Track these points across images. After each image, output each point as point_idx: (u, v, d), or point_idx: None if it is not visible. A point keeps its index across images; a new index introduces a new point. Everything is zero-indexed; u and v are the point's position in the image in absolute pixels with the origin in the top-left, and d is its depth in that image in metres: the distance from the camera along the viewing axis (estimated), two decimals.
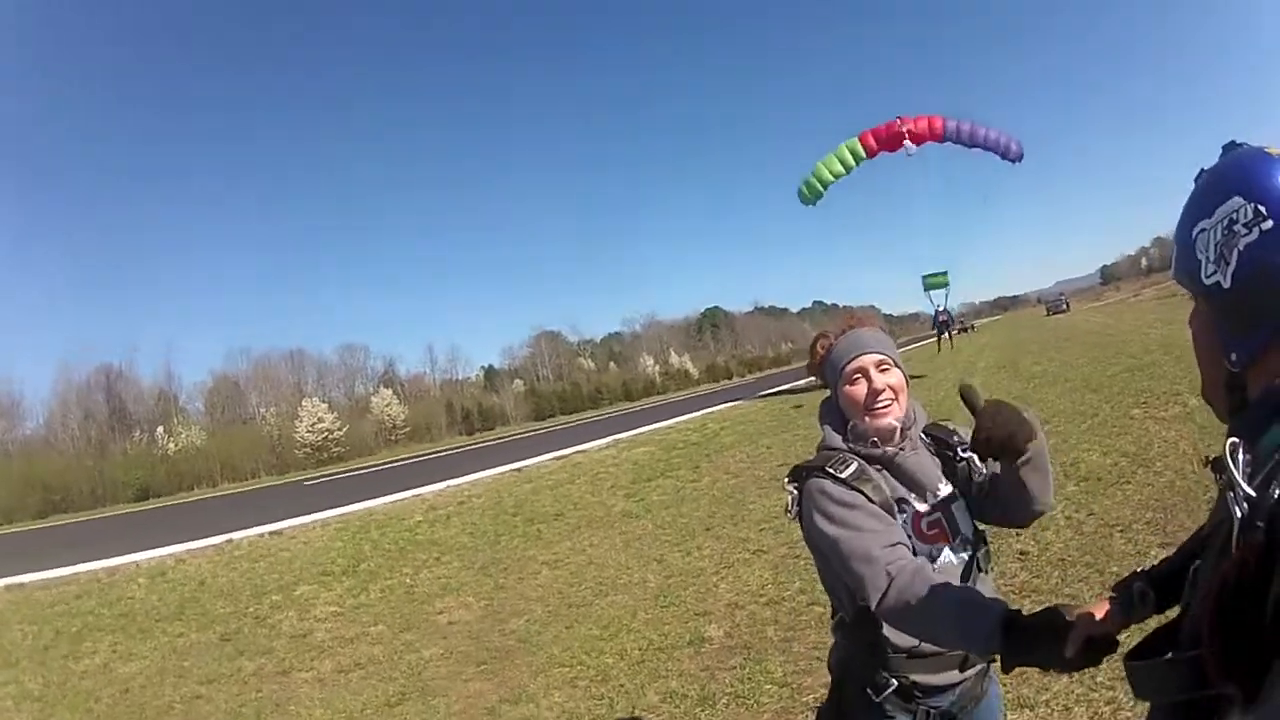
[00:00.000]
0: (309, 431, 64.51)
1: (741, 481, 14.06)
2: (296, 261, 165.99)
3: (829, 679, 2.73)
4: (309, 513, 19.01)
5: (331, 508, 19.18)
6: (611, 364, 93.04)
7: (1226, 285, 1.27)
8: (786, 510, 2.58)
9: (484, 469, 22.44)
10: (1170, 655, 1.26)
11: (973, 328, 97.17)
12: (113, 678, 9.30)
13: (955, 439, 2.63)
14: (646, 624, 7.76)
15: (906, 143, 24.27)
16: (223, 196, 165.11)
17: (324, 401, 69.25)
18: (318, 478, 38.86)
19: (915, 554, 2.39)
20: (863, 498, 2.40)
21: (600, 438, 25.69)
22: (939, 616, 2.12)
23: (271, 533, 17.14)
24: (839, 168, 24.98)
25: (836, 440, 2.60)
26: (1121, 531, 7.15)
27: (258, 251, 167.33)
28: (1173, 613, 1.47)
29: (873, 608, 2.26)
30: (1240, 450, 1.16)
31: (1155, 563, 1.75)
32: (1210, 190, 1.31)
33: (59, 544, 22.91)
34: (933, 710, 2.50)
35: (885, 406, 2.52)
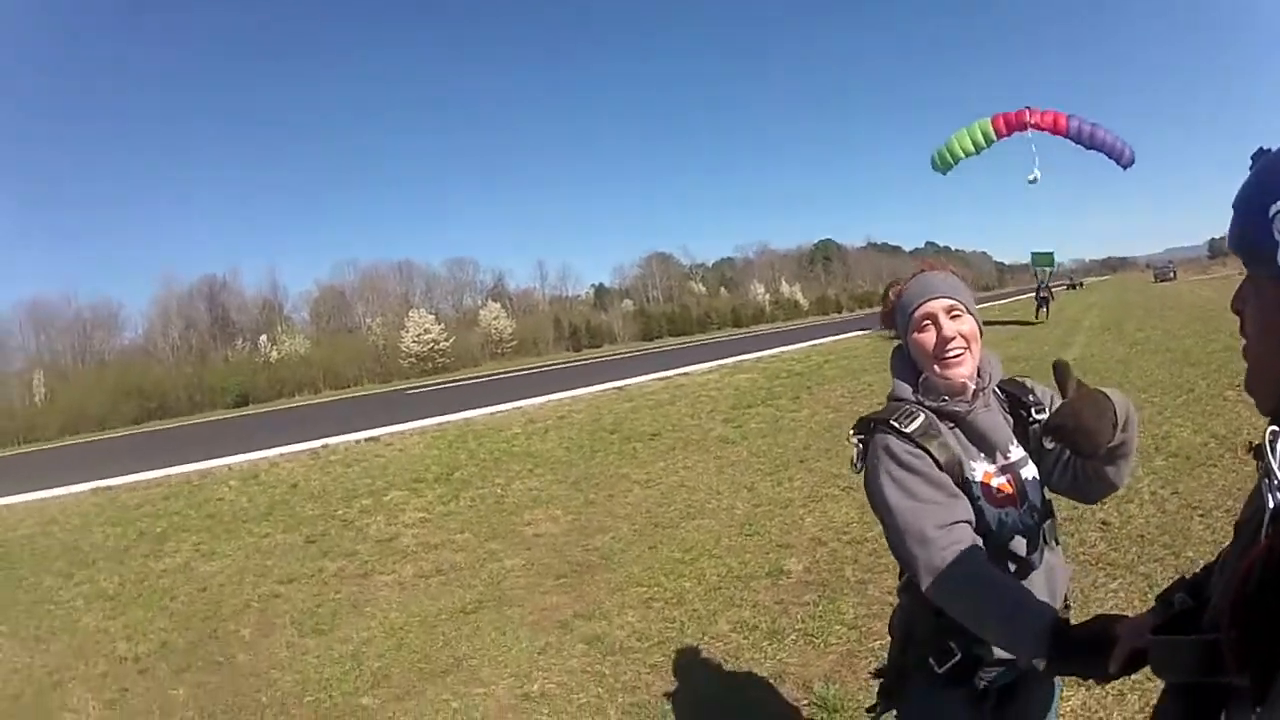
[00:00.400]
0: (415, 342, 65.73)
1: (840, 416, 13.87)
2: (408, 174, 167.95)
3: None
4: (407, 421, 19.44)
5: (431, 416, 19.66)
6: (722, 289, 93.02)
7: None
8: (852, 463, 2.46)
9: (587, 386, 22.68)
10: (1193, 636, 1.28)
11: (1081, 284, 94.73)
12: (192, 576, 9.70)
13: (1030, 399, 2.50)
14: (728, 551, 7.73)
15: (1031, 175, 25.93)
16: (332, 109, 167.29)
17: (431, 313, 70.25)
18: (421, 387, 39.68)
19: (985, 517, 2.30)
20: (927, 460, 2.28)
21: (705, 361, 25.63)
22: (988, 615, 2.08)
23: (368, 439, 17.61)
24: (969, 145, 25.74)
25: (906, 391, 2.46)
26: (1202, 516, 6.85)
27: (366, 163, 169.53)
28: None
29: (922, 589, 2.19)
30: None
31: (1198, 570, 1.71)
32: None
33: (153, 448, 23.70)
34: (994, 684, 2.40)
35: (957, 356, 2.37)
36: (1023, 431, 2.45)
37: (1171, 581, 1.68)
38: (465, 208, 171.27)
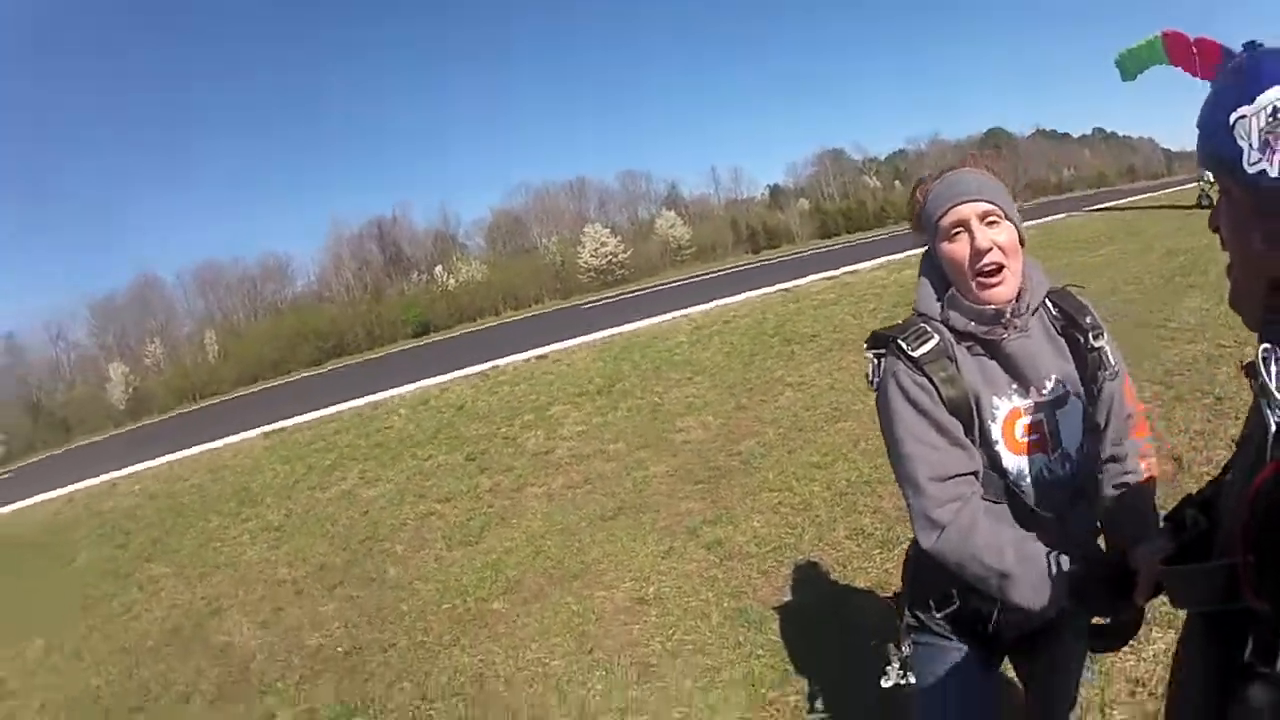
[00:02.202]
0: (592, 256, 66.77)
1: None
2: (575, 92, 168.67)
3: None
4: (577, 336, 20.02)
5: (600, 330, 20.05)
6: (896, 183, 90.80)
7: (1275, 174, 1.21)
8: (867, 378, 2.30)
9: (756, 289, 22.59)
10: (1207, 564, 1.30)
11: None
12: (354, 501, 10.53)
13: (1088, 321, 2.23)
14: (863, 455, 7.74)
15: None
16: (491, 36, 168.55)
17: (606, 227, 71.02)
18: (598, 301, 40.40)
19: (1002, 463, 2.18)
20: (932, 394, 2.12)
21: (878, 257, 25.11)
22: (996, 577, 2.01)
23: (537, 357, 18.26)
24: (1154, 58, 24.16)
25: (930, 305, 2.24)
26: None
27: (534, 84, 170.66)
28: None
29: (922, 545, 2.14)
30: (1273, 358, 1.18)
31: (1204, 486, 1.72)
32: (1249, 77, 1.26)
33: (329, 387, 25.01)
34: (1007, 631, 2.36)
35: (993, 272, 2.10)
36: (1078, 357, 2.24)
37: (1180, 499, 1.70)
38: (635, 121, 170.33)
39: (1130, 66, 23.39)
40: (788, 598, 5.46)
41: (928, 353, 2.12)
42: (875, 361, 2.24)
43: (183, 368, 63.80)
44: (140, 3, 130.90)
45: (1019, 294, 2.15)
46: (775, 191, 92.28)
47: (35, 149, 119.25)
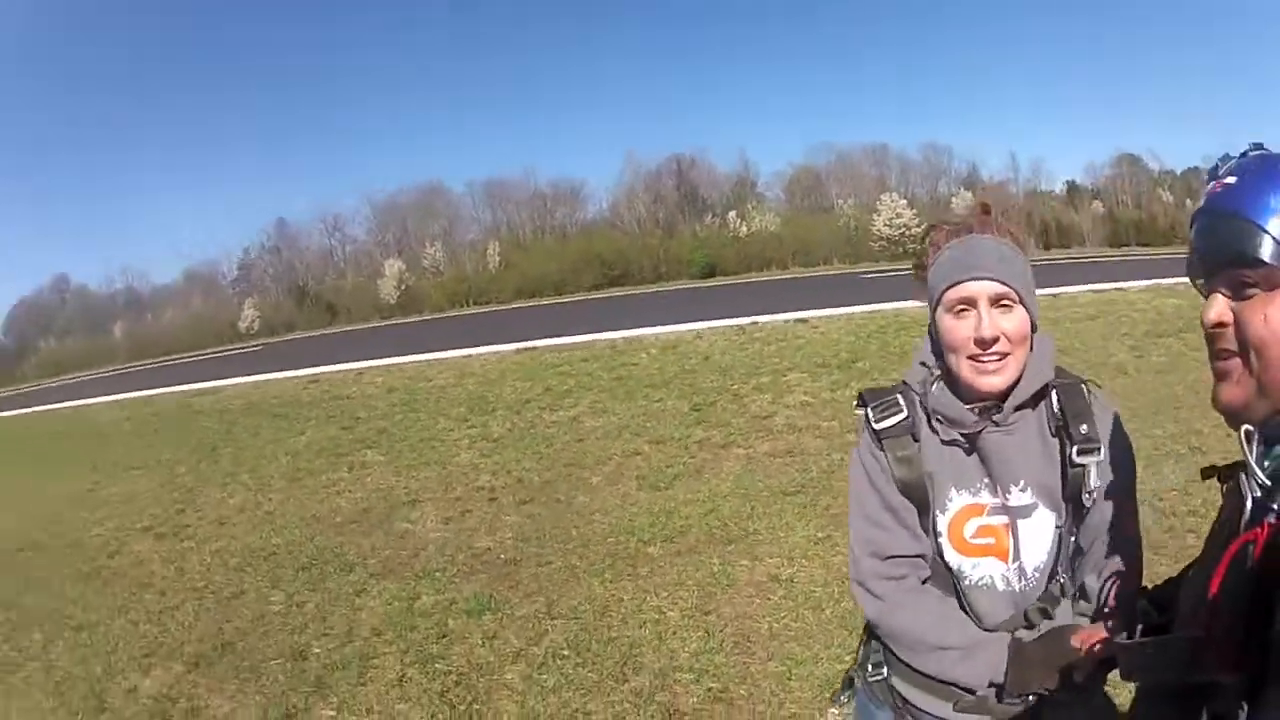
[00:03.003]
0: (886, 225, 65.74)
1: None
2: (881, 56, 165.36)
3: None
4: (845, 306, 19.68)
5: (870, 303, 19.68)
6: (1188, 200, 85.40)
7: None
8: (858, 433, 2.22)
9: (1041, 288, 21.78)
10: (1166, 636, 1.35)
11: None
12: (575, 428, 11.10)
13: (1082, 430, 1.97)
14: None
15: None
16: None
17: (904, 198, 70.02)
18: (882, 272, 39.74)
19: (945, 559, 2.11)
20: (886, 472, 2.07)
21: (1153, 278, 23.31)
22: (931, 653, 2.04)
23: (797, 320, 18.10)
24: None
25: (916, 373, 2.12)
26: None
27: (838, 47, 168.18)
28: None
29: (865, 612, 2.16)
30: (1256, 437, 1.23)
31: (1159, 584, 1.76)
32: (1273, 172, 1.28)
33: (600, 313, 25.72)
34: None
35: (994, 363, 1.93)
36: (1061, 464, 2.01)
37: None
38: (942, 93, 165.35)
39: None
40: None
41: (890, 428, 2.07)
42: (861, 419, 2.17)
43: (461, 272, 66.94)
44: None
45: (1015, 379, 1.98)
46: (1072, 188, 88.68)
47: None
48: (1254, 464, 1.19)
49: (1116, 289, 21.20)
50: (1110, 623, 1.76)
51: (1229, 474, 1.29)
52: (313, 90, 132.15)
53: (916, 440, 2.05)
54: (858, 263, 59.32)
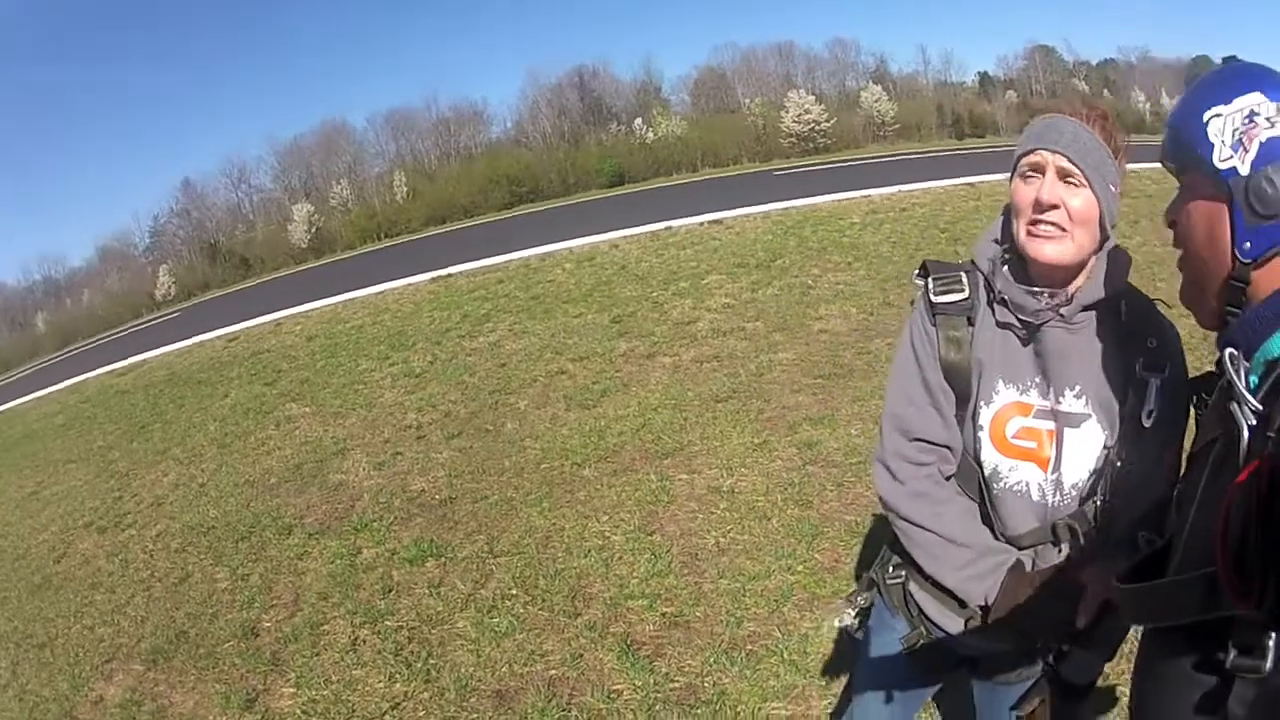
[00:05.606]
0: (795, 122, 65.65)
1: None
2: None
3: None
4: (757, 204, 19.77)
5: (781, 200, 19.79)
6: (1104, 91, 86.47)
7: (1245, 171, 1.30)
8: (912, 304, 2.16)
9: (942, 178, 21.52)
10: (1178, 577, 1.28)
11: None
12: (496, 353, 11.08)
13: (1151, 344, 1.91)
14: None
15: None
16: None
17: (811, 94, 69.94)
18: (793, 168, 39.76)
19: (982, 458, 2.03)
20: (933, 349, 2.03)
21: None
22: (936, 550, 2.01)
23: (711, 221, 18.21)
24: None
25: (987, 250, 2.06)
26: None
27: None
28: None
29: (877, 488, 2.14)
30: (1240, 360, 1.22)
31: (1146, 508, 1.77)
32: (1229, 81, 1.37)
33: (510, 233, 25.49)
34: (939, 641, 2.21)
35: (1047, 230, 1.87)
36: (1125, 372, 1.92)
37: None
38: None
39: None
40: (850, 517, 5.56)
41: (947, 304, 2.02)
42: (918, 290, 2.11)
43: (369, 207, 65.56)
44: None
45: (1080, 273, 1.93)
46: (984, 80, 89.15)
47: None
48: (1244, 391, 1.18)
49: None
50: (1113, 560, 1.68)
51: (1199, 387, 1.36)
52: (209, 42, 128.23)
53: (971, 325, 2.01)
54: (769, 160, 59.37)
